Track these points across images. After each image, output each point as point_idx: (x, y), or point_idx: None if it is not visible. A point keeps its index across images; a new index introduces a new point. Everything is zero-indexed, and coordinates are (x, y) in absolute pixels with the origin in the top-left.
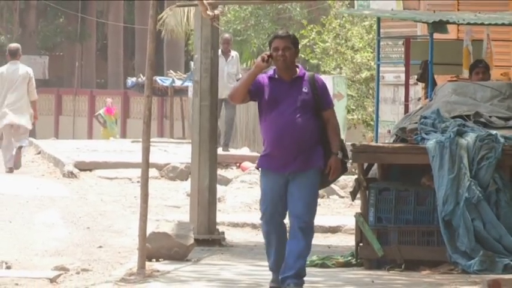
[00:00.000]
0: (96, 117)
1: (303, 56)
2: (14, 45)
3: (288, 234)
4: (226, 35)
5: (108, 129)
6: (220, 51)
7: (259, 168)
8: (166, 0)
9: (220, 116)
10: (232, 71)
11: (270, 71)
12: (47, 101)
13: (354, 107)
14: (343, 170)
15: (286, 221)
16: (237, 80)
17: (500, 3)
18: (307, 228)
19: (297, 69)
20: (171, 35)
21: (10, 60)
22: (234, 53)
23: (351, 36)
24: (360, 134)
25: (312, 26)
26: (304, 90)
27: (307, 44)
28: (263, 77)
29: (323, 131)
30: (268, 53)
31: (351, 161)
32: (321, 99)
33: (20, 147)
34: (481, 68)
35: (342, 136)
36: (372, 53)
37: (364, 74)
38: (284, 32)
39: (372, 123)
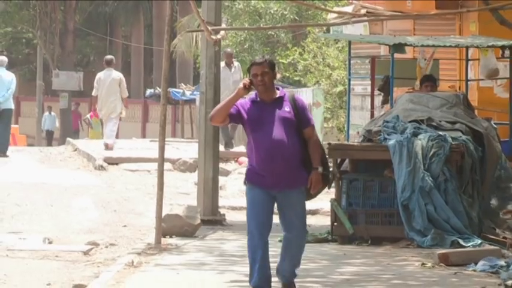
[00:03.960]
0: (84, 120)
1: (287, 74)
2: (110, 56)
3: (284, 250)
4: (228, 50)
5: (94, 130)
6: (224, 63)
7: (246, 183)
8: (178, 26)
9: None
10: (236, 79)
11: (252, 95)
12: (82, 108)
13: (329, 116)
14: (325, 183)
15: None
16: None
17: (448, 28)
18: (304, 244)
19: (277, 91)
20: (182, 55)
21: (106, 67)
22: (236, 64)
23: (327, 56)
24: (334, 138)
25: (294, 48)
26: (286, 109)
27: (291, 62)
28: (246, 101)
29: (305, 148)
30: (248, 80)
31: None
32: (301, 117)
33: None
34: (430, 82)
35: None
36: (346, 70)
37: (339, 88)
38: (260, 58)
39: (343, 129)
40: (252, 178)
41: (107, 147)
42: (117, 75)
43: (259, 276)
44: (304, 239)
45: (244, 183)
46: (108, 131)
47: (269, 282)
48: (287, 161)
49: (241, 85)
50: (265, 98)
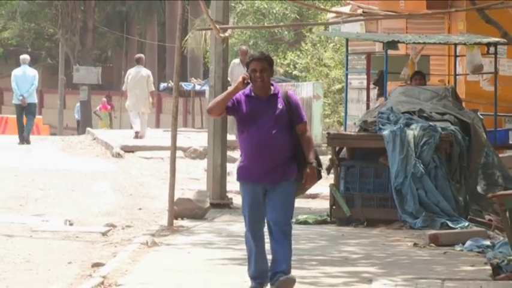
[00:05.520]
0: (95, 112)
1: (288, 70)
2: (139, 55)
3: (270, 239)
4: (243, 47)
5: (104, 121)
6: (239, 60)
7: (239, 181)
8: (190, 25)
9: None
10: None
11: (247, 89)
12: (101, 100)
13: (330, 112)
14: (318, 178)
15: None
16: None
17: (438, 27)
18: (288, 231)
19: (272, 87)
20: (192, 52)
21: (136, 65)
22: None
23: (323, 57)
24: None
25: (291, 52)
26: (279, 106)
27: (289, 63)
28: (240, 95)
29: (297, 144)
30: (247, 74)
31: (321, 168)
32: (294, 114)
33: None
34: (418, 76)
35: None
36: (342, 69)
37: (337, 86)
38: (260, 54)
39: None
40: (243, 175)
41: (137, 135)
42: (145, 72)
43: (257, 268)
44: (291, 228)
45: (237, 180)
46: (141, 123)
47: (266, 274)
48: (278, 156)
49: (240, 79)
50: (260, 94)
